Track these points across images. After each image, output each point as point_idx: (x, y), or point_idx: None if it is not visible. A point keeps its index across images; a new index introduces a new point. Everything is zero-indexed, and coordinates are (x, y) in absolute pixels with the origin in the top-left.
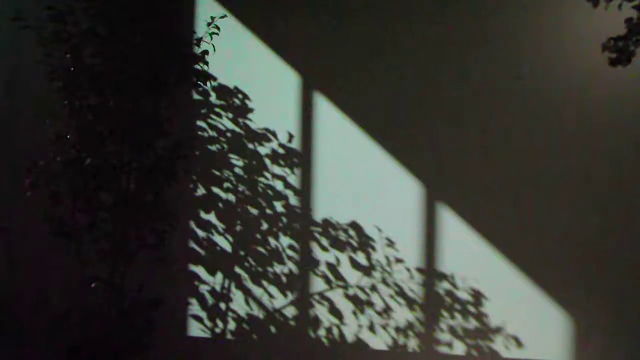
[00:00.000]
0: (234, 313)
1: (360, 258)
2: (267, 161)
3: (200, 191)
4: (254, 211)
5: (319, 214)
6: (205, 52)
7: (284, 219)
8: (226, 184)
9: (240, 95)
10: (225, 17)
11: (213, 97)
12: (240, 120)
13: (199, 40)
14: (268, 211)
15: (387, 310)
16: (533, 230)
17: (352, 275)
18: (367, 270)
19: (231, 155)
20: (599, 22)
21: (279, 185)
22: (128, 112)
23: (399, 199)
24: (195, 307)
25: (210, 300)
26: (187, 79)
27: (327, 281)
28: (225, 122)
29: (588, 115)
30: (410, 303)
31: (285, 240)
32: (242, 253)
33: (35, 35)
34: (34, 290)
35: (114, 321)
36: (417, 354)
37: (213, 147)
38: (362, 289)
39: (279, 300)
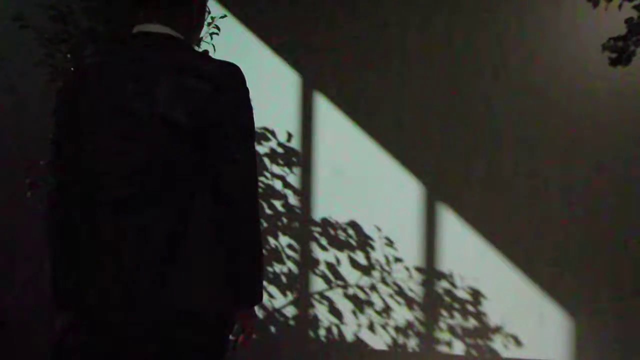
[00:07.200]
0: None
1: (360, 257)
2: (267, 160)
3: None
4: None
5: (318, 214)
6: (205, 52)
7: (284, 219)
8: None
9: None
10: (225, 17)
11: None
12: None
13: (199, 40)
14: (268, 211)
15: (386, 310)
16: (533, 230)
17: (352, 275)
18: (366, 270)
19: None
20: (599, 22)
21: (278, 184)
22: None
23: (399, 199)
24: None
25: None
26: None
27: (327, 281)
28: None
29: (589, 115)
30: (410, 302)
31: (284, 240)
32: None
33: (36, 36)
34: (35, 290)
35: None
36: (416, 353)
37: None
38: (361, 288)
39: (279, 300)
